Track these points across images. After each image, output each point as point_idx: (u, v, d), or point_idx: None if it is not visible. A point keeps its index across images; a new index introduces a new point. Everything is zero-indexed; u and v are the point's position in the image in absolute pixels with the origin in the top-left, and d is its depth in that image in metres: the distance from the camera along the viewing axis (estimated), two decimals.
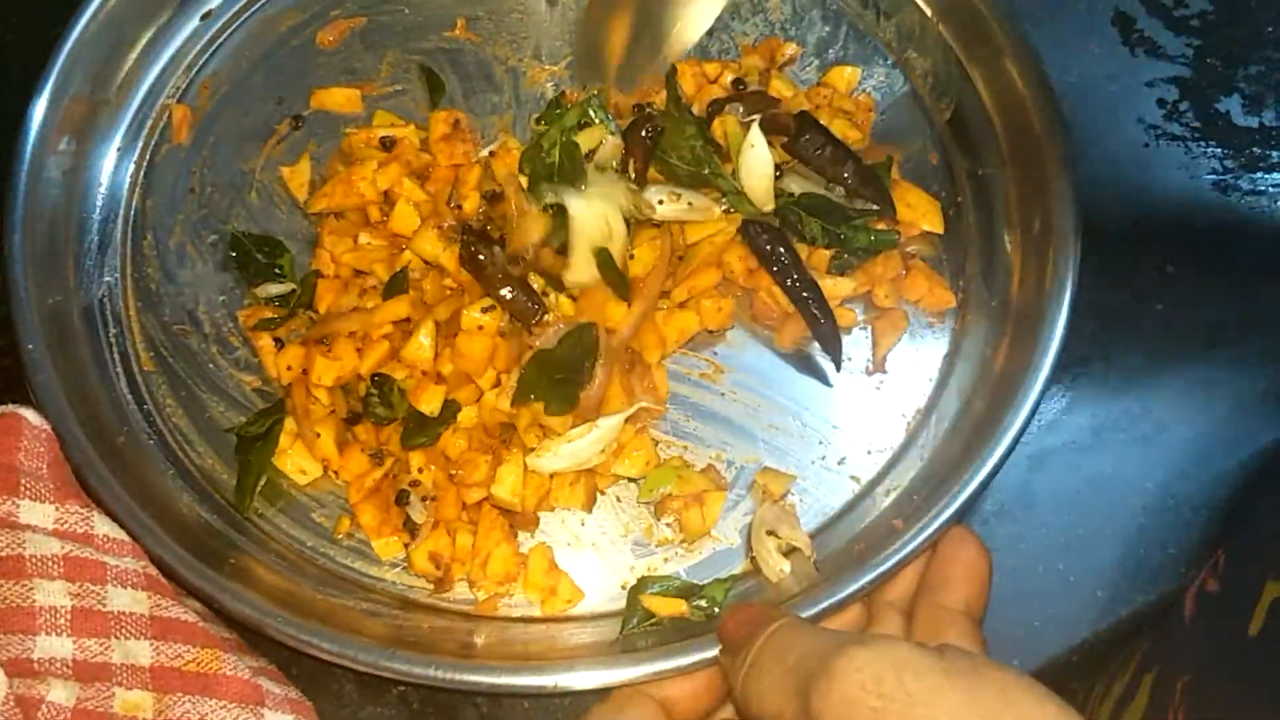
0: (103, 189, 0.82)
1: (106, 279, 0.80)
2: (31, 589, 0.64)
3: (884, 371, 0.78)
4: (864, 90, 0.84)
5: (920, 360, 0.79)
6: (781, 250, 0.75)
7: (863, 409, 0.78)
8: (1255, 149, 0.86)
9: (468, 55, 0.87)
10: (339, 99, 0.85)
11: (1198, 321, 0.81)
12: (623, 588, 0.73)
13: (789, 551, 0.72)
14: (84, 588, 0.65)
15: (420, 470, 0.73)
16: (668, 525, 0.75)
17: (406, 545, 0.73)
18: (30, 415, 0.68)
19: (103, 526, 0.67)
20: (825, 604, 0.67)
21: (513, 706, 0.72)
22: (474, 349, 0.73)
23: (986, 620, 0.65)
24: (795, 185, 0.79)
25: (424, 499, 0.74)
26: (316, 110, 0.85)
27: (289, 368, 0.76)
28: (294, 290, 0.79)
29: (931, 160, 0.83)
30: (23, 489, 0.66)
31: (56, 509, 0.66)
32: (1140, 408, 0.79)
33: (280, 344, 0.77)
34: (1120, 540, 0.76)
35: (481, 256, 0.74)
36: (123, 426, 0.76)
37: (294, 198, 0.82)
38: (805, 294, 0.75)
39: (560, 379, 0.73)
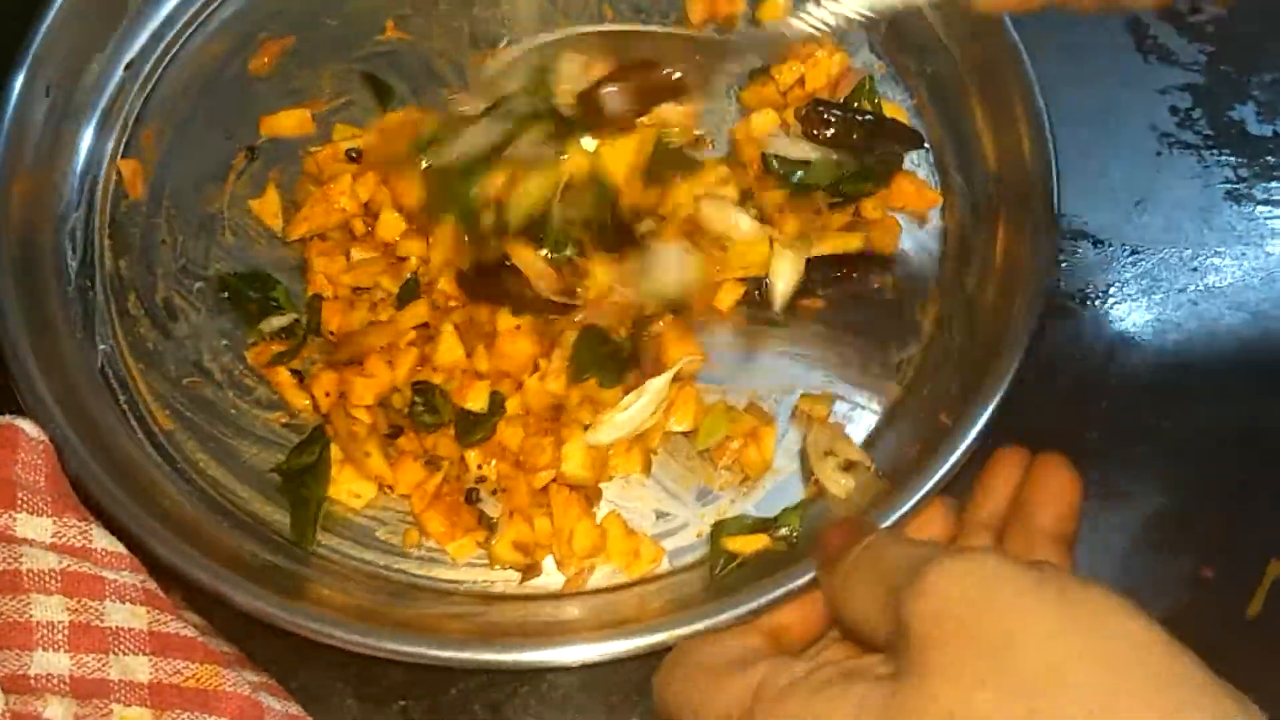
0: (72, 258, 0.80)
1: (102, 347, 0.78)
2: (28, 604, 0.63)
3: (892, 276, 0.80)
4: None
5: (922, 263, 0.80)
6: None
7: (878, 318, 0.79)
8: (1269, 158, 0.85)
9: (405, 55, 0.86)
10: (289, 122, 0.84)
11: (1215, 334, 0.81)
12: (698, 537, 0.73)
13: (848, 467, 0.73)
14: (82, 603, 0.63)
15: (481, 467, 0.73)
16: (726, 469, 0.75)
17: (483, 542, 0.73)
18: (27, 426, 0.67)
19: (101, 540, 0.65)
20: (902, 510, 0.68)
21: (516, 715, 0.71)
22: (516, 349, 0.73)
23: None
24: (794, 151, 0.80)
25: (493, 492, 0.73)
26: (269, 138, 0.84)
27: (327, 394, 0.75)
28: (297, 319, 0.77)
29: (879, 70, 0.85)
30: (20, 502, 0.64)
31: (54, 522, 0.65)
32: (1153, 419, 0.78)
33: (299, 375, 0.76)
34: (1135, 549, 0.75)
35: (490, 292, 0.74)
36: (165, 490, 0.74)
37: (269, 229, 0.81)
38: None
39: (608, 352, 0.73)
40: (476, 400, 0.73)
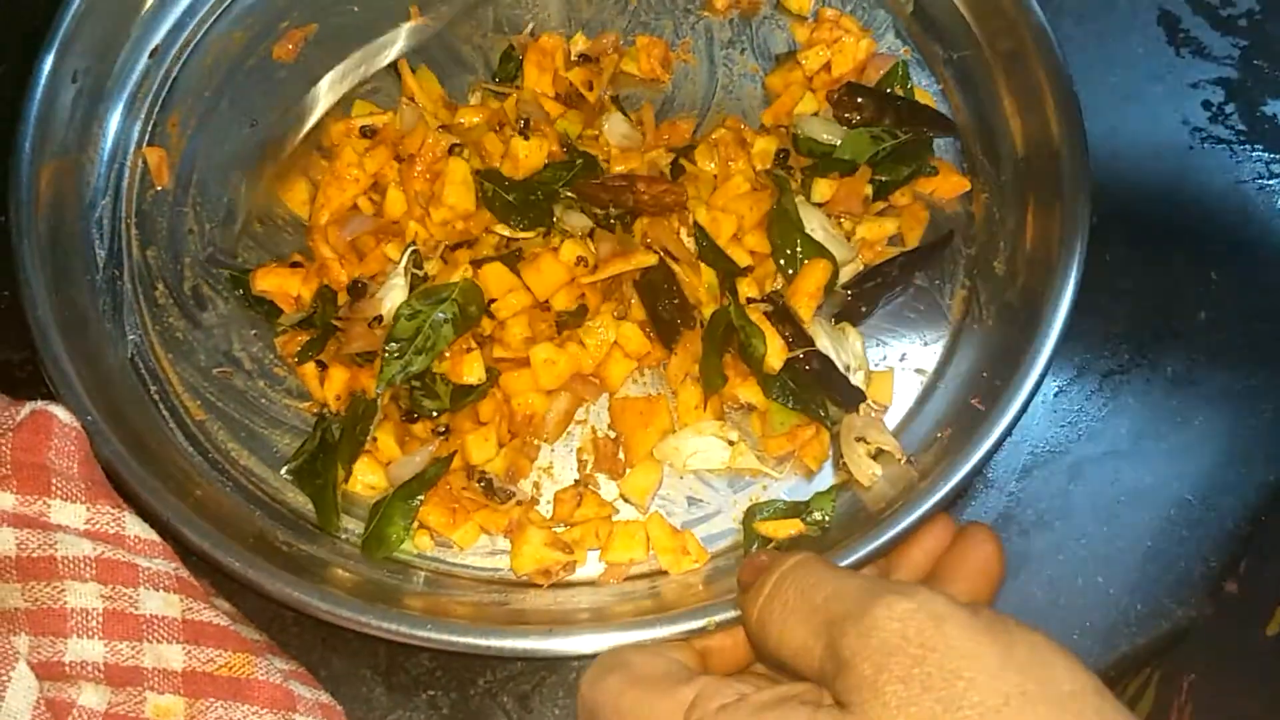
0: (100, 248, 0.80)
1: (131, 338, 0.78)
2: (63, 590, 0.63)
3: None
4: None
5: (951, 247, 0.80)
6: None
7: (908, 306, 0.79)
8: None
9: (430, 41, 0.86)
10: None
11: (1240, 330, 0.80)
12: (733, 522, 0.74)
13: (878, 455, 0.73)
14: (116, 590, 0.63)
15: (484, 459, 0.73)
16: (756, 455, 0.75)
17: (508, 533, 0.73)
18: (60, 413, 0.67)
19: (134, 527, 0.66)
20: (927, 506, 0.68)
21: (543, 711, 0.71)
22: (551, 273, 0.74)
23: None
24: (824, 133, 0.80)
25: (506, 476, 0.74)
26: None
27: (338, 397, 0.75)
28: (315, 310, 0.77)
29: (904, 55, 0.85)
30: (54, 489, 0.65)
31: (88, 509, 0.65)
32: (1181, 417, 0.78)
33: (323, 366, 0.76)
34: (1159, 552, 0.74)
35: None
36: (197, 480, 0.73)
37: (297, 216, 0.81)
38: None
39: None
40: (473, 373, 0.73)
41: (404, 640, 0.67)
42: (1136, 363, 0.79)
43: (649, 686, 0.58)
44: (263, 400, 0.77)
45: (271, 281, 0.77)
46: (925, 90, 0.84)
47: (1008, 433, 0.70)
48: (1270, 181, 0.84)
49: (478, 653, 0.67)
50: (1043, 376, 0.71)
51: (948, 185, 0.81)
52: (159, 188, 0.82)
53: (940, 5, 0.85)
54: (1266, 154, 0.85)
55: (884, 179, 0.79)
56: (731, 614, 0.65)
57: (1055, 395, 0.78)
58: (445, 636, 0.67)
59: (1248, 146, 0.85)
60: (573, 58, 0.83)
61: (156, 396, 0.76)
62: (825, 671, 0.52)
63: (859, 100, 0.79)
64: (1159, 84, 0.87)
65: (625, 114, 0.81)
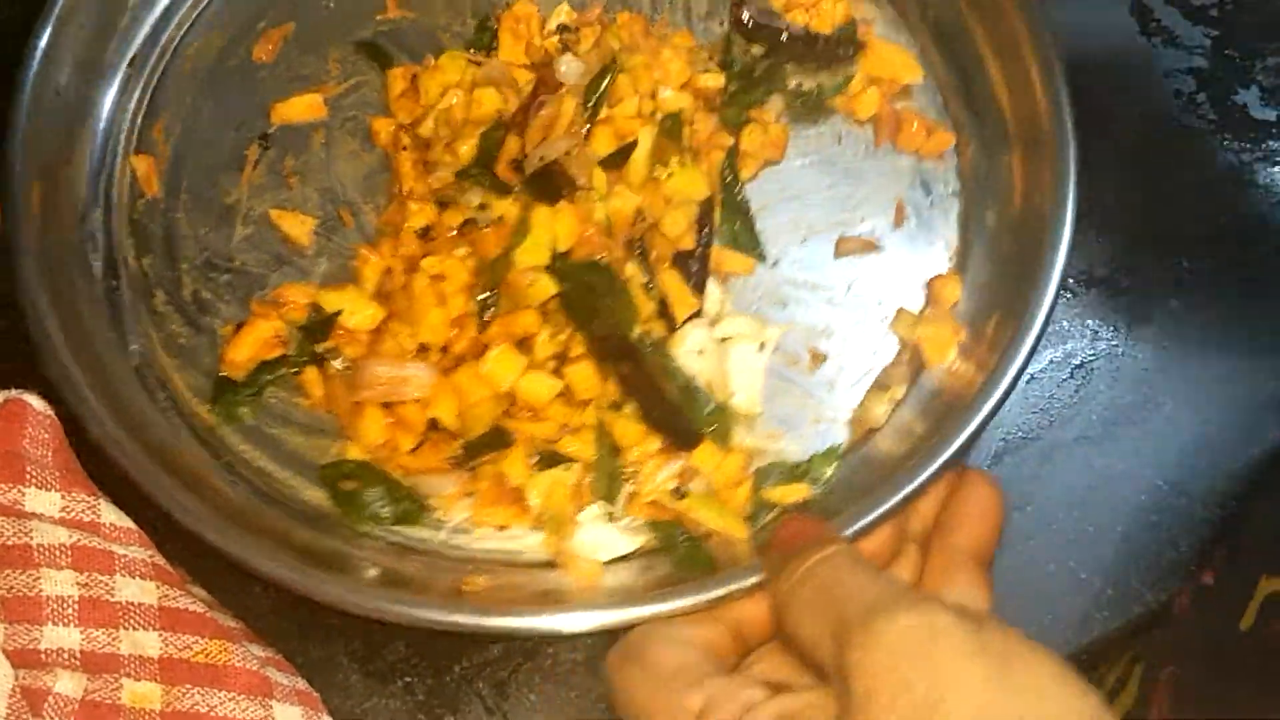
0: (95, 258, 0.79)
1: (134, 347, 0.77)
2: (38, 578, 0.63)
3: (908, 219, 0.80)
4: None
5: (939, 202, 0.81)
6: None
7: (904, 260, 0.79)
8: (1273, 142, 0.85)
9: (408, 32, 0.86)
10: (300, 108, 0.83)
11: (1211, 317, 0.81)
12: None
13: (896, 406, 0.74)
14: (92, 577, 0.63)
15: None
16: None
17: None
18: (34, 401, 0.67)
19: (109, 515, 0.66)
20: (938, 462, 0.68)
21: (520, 697, 0.72)
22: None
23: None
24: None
25: None
26: (281, 125, 0.83)
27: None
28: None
29: (881, 16, 0.85)
30: (29, 476, 0.65)
31: (63, 497, 0.65)
32: (1153, 403, 0.78)
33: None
34: (1132, 537, 0.75)
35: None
36: (214, 484, 0.73)
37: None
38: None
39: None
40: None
41: (443, 629, 0.67)
42: (1108, 349, 0.80)
43: (660, 686, 0.59)
44: (272, 400, 0.76)
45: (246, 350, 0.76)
46: (903, 47, 0.85)
47: (1015, 382, 0.71)
48: (1241, 170, 0.85)
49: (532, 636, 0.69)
50: (1048, 317, 0.72)
51: (933, 142, 0.81)
52: (149, 196, 0.81)
53: None
54: (1237, 143, 0.85)
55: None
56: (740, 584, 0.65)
57: (1027, 381, 0.78)
58: (487, 621, 0.67)
59: (1219, 136, 0.86)
60: (551, 28, 0.83)
61: (166, 404, 0.76)
62: (832, 674, 0.53)
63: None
64: (1131, 74, 0.87)
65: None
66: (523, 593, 0.70)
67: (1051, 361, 0.79)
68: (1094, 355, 0.79)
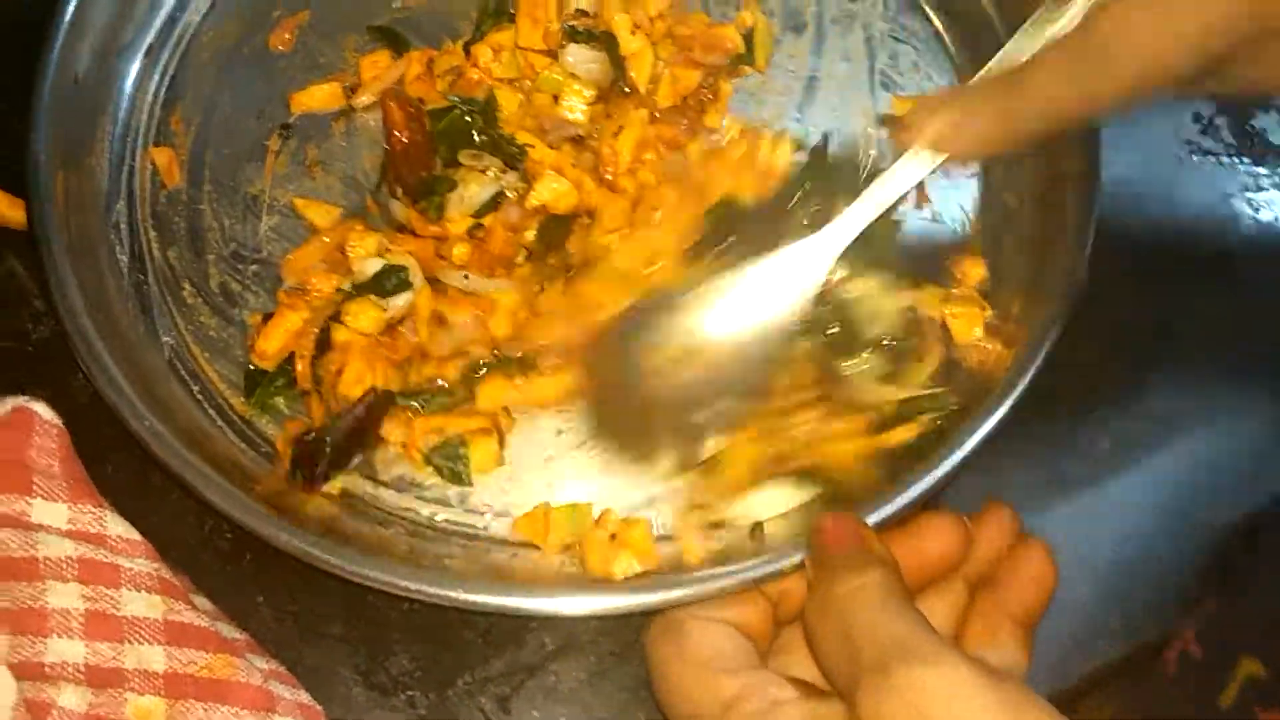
0: (121, 252, 0.79)
1: (166, 340, 0.77)
2: (44, 591, 0.63)
3: (929, 201, 0.80)
4: None
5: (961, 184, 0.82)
6: None
7: (928, 238, 0.80)
8: None
9: (424, 20, 0.85)
10: (320, 97, 0.83)
11: (1227, 354, 0.80)
12: None
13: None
14: (98, 591, 0.63)
15: None
16: None
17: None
18: (41, 410, 0.67)
19: (116, 527, 0.65)
20: (962, 451, 0.69)
21: (522, 713, 0.72)
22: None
23: None
24: None
25: None
26: (301, 115, 0.83)
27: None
28: None
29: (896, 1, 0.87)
30: (35, 487, 0.64)
31: (69, 508, 0.65)
32: (1163, 434, 0.78)
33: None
34: (1138, 569, 0.75)
35: None
36: (253, 474, 0.72)
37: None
38: None
39: None
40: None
41: (479, 610, 0.68)
42: (1118, 383, 0.79)
43: (696, 670, 0.60)
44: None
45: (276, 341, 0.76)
46: (917, 30, 0.85)
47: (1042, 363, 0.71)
48: (1257, 195, 0.84)
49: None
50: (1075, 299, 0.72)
51: None
52: (172, 187, 0.81)
53: None
54: (1254, 168, 0.85)
55: None
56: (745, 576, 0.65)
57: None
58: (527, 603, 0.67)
59: (1236, 160, 0.85)
60: (571, 10, 0.82)
61: (200, 396, 0.76)
62: (847, 704, 0.54)
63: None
64: None
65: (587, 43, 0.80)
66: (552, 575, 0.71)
67: (1062, 392, 0.79)
68: (1103, 386, 0.79)
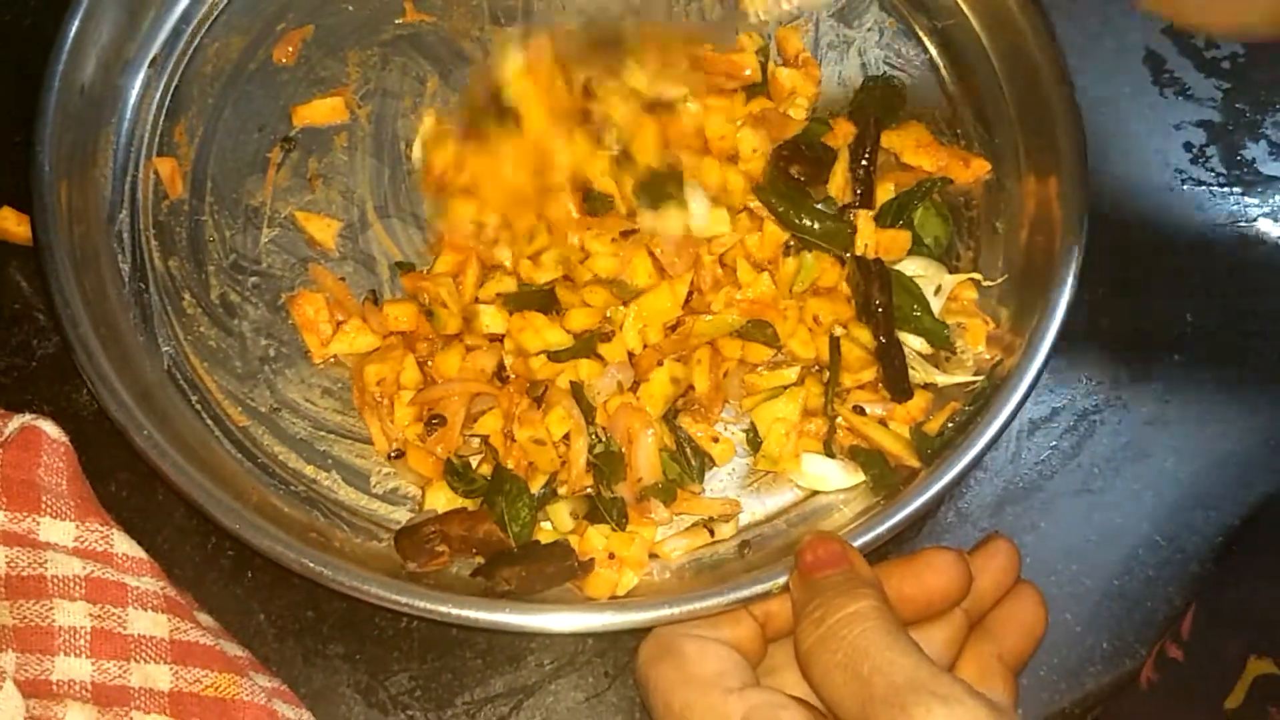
0: (123, 261, 0.80)
1: (165, 350, 0.77)
2: (52, 609, 0.63)
3: None
4: None
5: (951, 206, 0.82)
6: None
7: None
8: (1279, 197, 0.86)
9: (429, 36, 0.86)
10: (323, 111, 0.84)
11: (1215, 373, 0.81)
12: None
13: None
14: (104, 609, 0.64)
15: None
16: None
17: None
18: (49, 428, 0.67)
19: (122, 545, 0.66)
20: (964, 461, 0.71)
21: None
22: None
23: None
24: None
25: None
26: (303, 128, 0.84)
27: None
28: None
29: (890, 27, 0.88)
30: (44, 506, 0.65)
31: (77, 527, 0.65)
32: (1152, 457, 0.79)
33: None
34: (1127, 592, 0.75)
35: None
36: (250, 485, 0.73)
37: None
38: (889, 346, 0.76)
39: None
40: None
41: (485, 628, 0.68)
42: (1110, 402, 0.80)
43: (701, 689, 0.60)
44: (304, 402, 0.77)
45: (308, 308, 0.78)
46: (911, 60, 0.87)
47: (1029, 391, 0.73)
48: (1249, 224, 0.85)
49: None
50: (1059, 331, 0.74)
51: (969, 171, 0.83)
52: (174, 198, 0.82)
53: None
54: (1245, 196, 0.86)
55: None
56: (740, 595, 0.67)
57: (1030, 434, 0.79)
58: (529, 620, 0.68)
59: (1227, 188, 0.86)
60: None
61: (199, 406, 0.76)
62: None
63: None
64: (1142, 124, 0.88)
65: None
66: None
67: (1054, 414, 0.80)
68: (1096, 408, 0.80)
